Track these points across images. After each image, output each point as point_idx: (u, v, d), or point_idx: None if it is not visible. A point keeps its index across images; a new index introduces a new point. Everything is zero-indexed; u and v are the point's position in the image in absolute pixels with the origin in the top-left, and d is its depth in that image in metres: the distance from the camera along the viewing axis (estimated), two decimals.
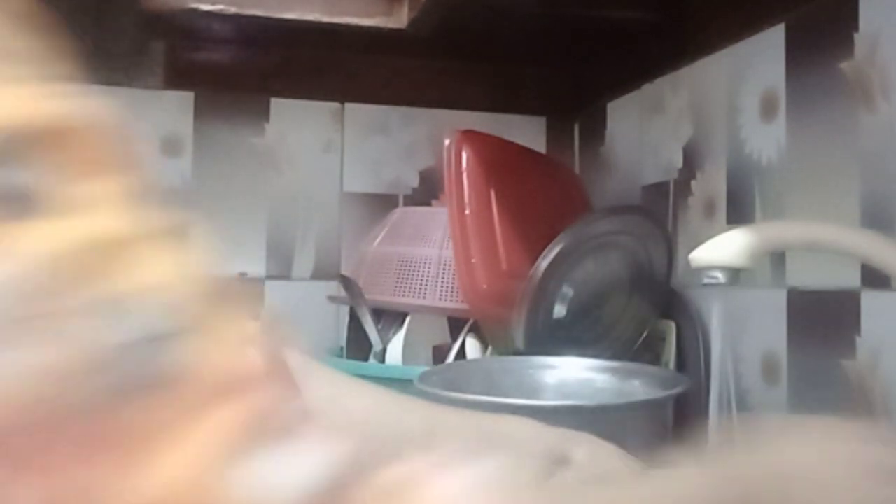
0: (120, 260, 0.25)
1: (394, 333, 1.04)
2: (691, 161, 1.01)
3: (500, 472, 0.31)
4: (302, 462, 0.25)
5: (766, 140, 0.87)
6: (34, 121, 0.25)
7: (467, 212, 1.00)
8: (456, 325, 1.04)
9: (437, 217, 1.08)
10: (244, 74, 1.25)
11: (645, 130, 1.13)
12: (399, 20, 1.10)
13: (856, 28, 0.75)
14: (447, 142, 1.04)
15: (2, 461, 0.23)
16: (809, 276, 0.80)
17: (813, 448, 0.41)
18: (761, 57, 0.88)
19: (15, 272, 0.23)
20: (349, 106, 1.29)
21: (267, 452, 0.25)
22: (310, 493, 0.25)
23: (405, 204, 1.27)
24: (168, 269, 0.26)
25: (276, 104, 1.26)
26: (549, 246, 0.90)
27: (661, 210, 1.06)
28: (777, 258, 0.84)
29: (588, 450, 0.50)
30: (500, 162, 1.06)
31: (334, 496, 0.25)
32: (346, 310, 1.13)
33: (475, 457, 0.31)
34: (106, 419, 0.24)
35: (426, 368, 0.87)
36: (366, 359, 1.04)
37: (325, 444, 0.26)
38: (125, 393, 0.24)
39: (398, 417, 0.40)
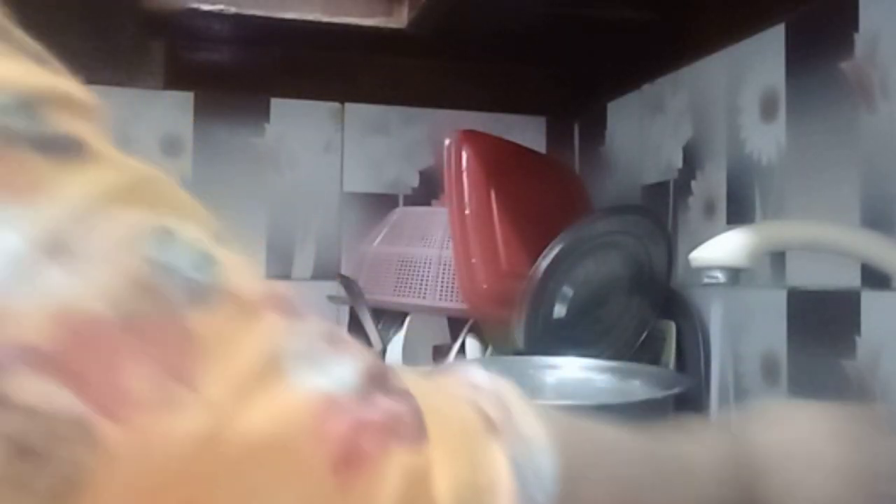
0: (162, 197, 0.29)
1: (394, 333, 1.04)
2: (691, 161, 1.01)
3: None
4: (342, 366, 0.30)
5: (766, 140, 0.87)
6: (56, 87, 0.28)
7: (467, 212, 1.01)
8: (456, 325, 1.04)
9: (437, 217, 1.08)
10: (244, 74, 1.25)
11: (645, 130, 1.13)
12: (399, 20, 1.10)
13: (856, 28, 0.75)
14: (447, 142, 1.04)
15: (76, 375, 0.24)
16: (809, 276, 0.80)
17: (807, 429, 0.44)
18: (761, 57, 0.88)
19: (71, 204, 0.26)
20: (349, 106, 1.29)
21: (312, 355, 0.29)
22: (353, 389, 0.29)
23: (405, 204, 1.27)
24: (191, 205, 0.30)
25: (276, 104, 1.26)
26: (549, 246, 0.90)
27: (661, 210, 1.06)
28: (777, 258, 0.84)
29: None
30: (500, 162, 1.06)
31: (367, 392, 0.30)
32: (346, 310, 1.13)
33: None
34: (169, 327, 0.26)
35: (426, 368, 0.87)
36: None
37: (354, 353, 0.31)
38: (181, 304, 0.27)
39: None
